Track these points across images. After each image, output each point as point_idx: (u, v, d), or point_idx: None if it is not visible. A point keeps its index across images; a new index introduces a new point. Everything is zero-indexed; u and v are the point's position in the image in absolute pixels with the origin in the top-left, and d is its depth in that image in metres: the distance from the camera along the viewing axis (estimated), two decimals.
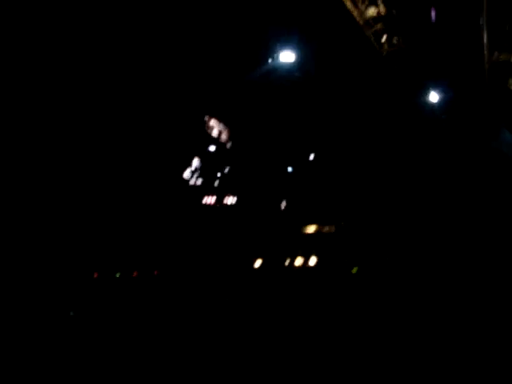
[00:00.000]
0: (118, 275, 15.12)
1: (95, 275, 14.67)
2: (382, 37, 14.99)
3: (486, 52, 15.06)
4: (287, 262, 17.03)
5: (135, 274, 15.18)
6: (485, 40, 14.59)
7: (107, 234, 15.18)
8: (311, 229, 18.20)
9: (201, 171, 18.46)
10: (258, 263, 16.74)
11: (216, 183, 18.88)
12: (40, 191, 13.97)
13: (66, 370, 7.94)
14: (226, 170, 19.05)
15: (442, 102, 18.00)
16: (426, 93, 17.73)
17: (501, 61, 15.32)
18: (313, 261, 16.86)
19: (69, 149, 14.68)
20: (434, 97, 17.88)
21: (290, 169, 19.46)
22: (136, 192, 16.29)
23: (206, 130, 18.19)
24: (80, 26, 13.16)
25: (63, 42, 13.15)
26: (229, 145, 18.82)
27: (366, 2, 13.69)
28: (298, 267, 17.08)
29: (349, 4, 13.74)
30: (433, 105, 18.10)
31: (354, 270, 16.45)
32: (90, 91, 14.31)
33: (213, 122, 18.19)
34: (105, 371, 8.07)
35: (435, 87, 17.56)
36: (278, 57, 14.36)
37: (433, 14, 13.58)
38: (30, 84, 13.26)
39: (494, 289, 12.27)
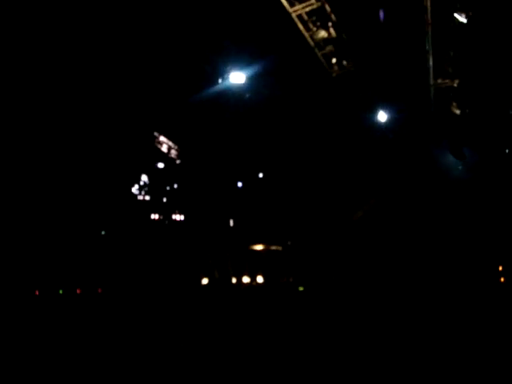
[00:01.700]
0: (60, 292, 14.87)
1: (36, 292, 14.39)
2: (332, 59, 15.24)
3: (431, 76, 15.47)
4: (235, 280, 17.11)
5: (78, 291, 14.95)
6: (430, 65, 14.96)
7: (51, 250, 14.91)
8: (259, 247, 18.31)
9: (149, 187, 18.34)
10: (205, 280, 16.74)
11: (164, 199, 18.79)
12: None
13: None
14: (175, 186, 18.99)
15: (389, 122, 18.38)
16: (375, 112, 18.06)
17: (445, 85, 15.78)
18: (260, 279, 17.01)
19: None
20: (382, 116, 18.23)
21: (239, 184, 19.52)
22: (83, 206, 16.05)
23: (155, 146, 18.10)
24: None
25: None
26: (178, 161, 18.76)
27: (317, 25, 13.87)
28: (246, 284, 17.17)
29: (300, 25, 13.88)
30: (381, 124, 18.45)
31: (301, 288, 16.64)
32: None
33: (162, 139, 18.11)
34: None
35: (383, 108, 17.92)
36: (228, 77, 14.43)
37: (381, 14, 13.83)
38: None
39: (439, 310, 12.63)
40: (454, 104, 15.89)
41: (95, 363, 9.34)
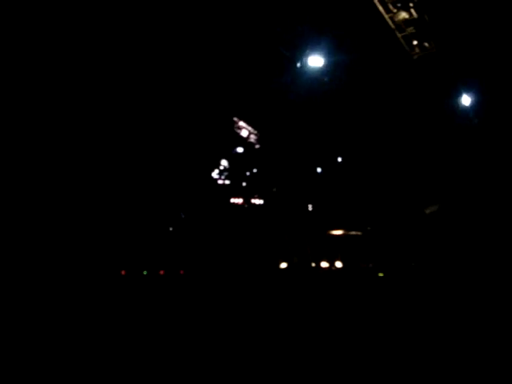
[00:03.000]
0: (145, 273, 15.42)
1: (123, 273, 14.99)
2: (413, 40, 14.91)
3: None
4: (314, 264, 17.12)
5: (162, 272, 15.45)
6: None
7: (136, 233, 15.48)
8: (338, 232, 18.22)
9: (229, 171, 18.65)
10: (284, 264, 16.86)
11: (244, 184, 19.05)
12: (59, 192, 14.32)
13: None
14: (255, 171, 19.20)
15: (474, 106, 17.77)
16: (458, 96, 17.51)
17: None
18: (339, 264, 16.94)
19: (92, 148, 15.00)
20: (466, 100, 17.65)
21: (319, 169, 19.49)
22: (165, 191, 16.55)
23: (235, 131, 18.36)
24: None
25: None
26: (257, 146, 18.95)
27: (398, 6, 13.61)
28: (325, 269, 17.14)
29: (380, 7, 13.68)
30: (465, 108, 17.87)
31: (381, 274, 16.44)
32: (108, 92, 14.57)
33: (242, 124, 18.35)
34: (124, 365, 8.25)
35: (467, 90, 17.35)
36: (306, 61, 14.40)
37: None
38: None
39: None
40: None
41: (178, 339, 9.66)
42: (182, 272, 15.69)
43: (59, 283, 12.56)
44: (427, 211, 18.13)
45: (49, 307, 10.83)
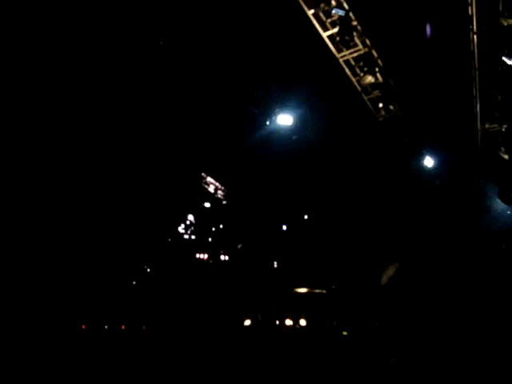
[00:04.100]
0: (106, 327, 15.08)
1: (83, 327, 14.62)
2: (379, 103, 15.38)
3: (478, 121, 15.38)
4: (277, 322, 16.98)
5: (123, 327, 15.12)
6: (477, 110, 14.90)
7: (98, 286, 15.18)
8: (302, 290, 18.20)
9: (195, 226, 18.59)
10: (247, 321, 16.67)
11: (210, 239, 19.00)
12: None
13: None
14: (221, 227, 19.20)
15: (436, 168, 18.20)
16: (421, 158, 17.94)
17: (492, 130, 15.61)
18: (303, 322, 16.84)
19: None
20: (428, 162, 18.08)
21: (284, 227, 19.58)
22: (130, 245, 16.35)
23: (202, 186, 18.43)
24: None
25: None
26: (224, 202, 19.01)
27: (364, 70, 14.09)
28: (289, 327, 17.01)
29: (347, 70, 14.15)
30: (427, 170, 18.29)
31: (345, 333, 16.39)
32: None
33: (210, 179, 18.45)
34: None
35: (430, 153, 17.80)
36: (275, 119, 14.62)
37: (428, 29, 13.74)
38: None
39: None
40: (503, 149, 15.65)
41: None
42: (144, 327, 15.39)
43: (18, 335, 12.20)
44: (389, 271, 18.29)
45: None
